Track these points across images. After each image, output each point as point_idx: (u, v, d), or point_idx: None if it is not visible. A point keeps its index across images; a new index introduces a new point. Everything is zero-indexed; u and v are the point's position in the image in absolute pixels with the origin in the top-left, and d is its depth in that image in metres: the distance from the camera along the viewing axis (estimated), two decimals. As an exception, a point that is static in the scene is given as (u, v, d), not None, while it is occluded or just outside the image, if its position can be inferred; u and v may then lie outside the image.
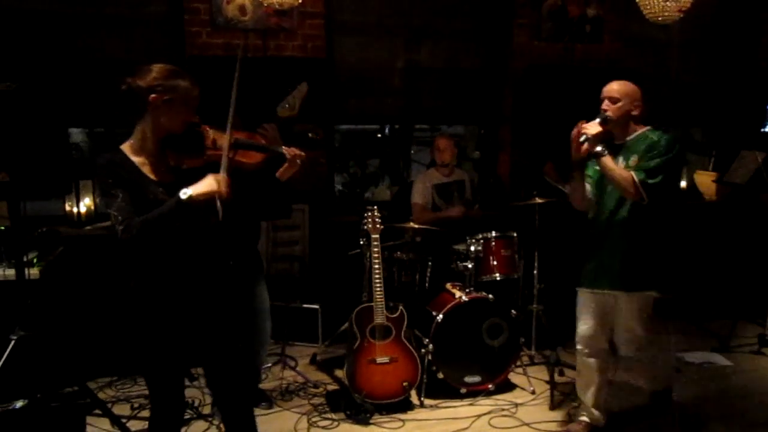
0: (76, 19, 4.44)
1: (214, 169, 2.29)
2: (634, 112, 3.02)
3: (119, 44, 4.50)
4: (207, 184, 2.19)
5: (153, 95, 2.19)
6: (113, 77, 2.30)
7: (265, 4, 4.01)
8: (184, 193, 2.15)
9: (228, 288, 2.49)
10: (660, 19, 3.98)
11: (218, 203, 2.25)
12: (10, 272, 3.35)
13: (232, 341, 2.46)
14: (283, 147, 2.66)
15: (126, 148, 2.26)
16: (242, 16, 4.65)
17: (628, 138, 3.02)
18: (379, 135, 7.24)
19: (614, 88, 3.02)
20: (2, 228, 3.56)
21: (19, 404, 3.12)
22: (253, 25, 4.68)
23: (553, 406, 3.65)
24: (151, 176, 2.24)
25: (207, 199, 2.20)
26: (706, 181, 5.95)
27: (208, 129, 2.47)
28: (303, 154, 2.63)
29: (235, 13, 4.63)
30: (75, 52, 4.42)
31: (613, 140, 3.01)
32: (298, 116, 4.64)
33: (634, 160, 2.92)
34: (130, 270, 2.29)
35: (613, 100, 2.99)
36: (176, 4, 4.61)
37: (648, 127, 3.05)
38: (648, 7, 3.96)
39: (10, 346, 3.03)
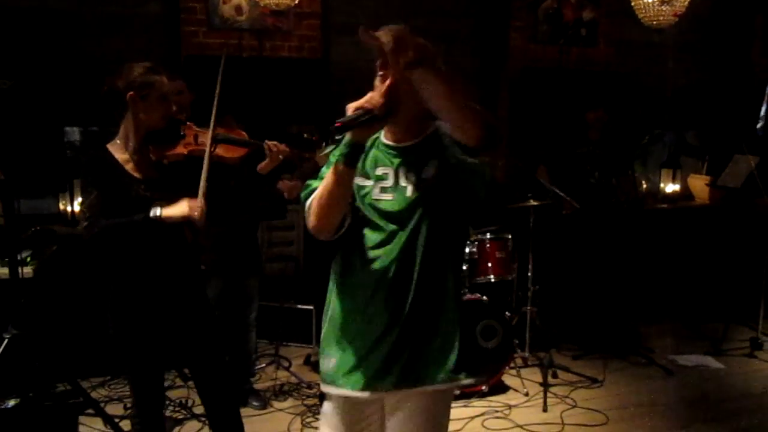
0: (72, 18, 4.42)
1: (197, 165, 2.34)
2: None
3: (115, 43, 4.48)
4: (180, 209, 2.23)
5: (130, 93, 2.25)
6: (107, 75, 2.34)
7: (262, 5, 4.01)
8: (154, 212, 2.19)
9: (203, 287, 2.55)
10: (655, 23, 4.01)
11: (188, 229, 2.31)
12: (4, 271, 3.33)
13: (212, 340, 2.50)
14: (265, 141, 2.71)
15: (111, 146, 2.32)
16: (238, 16, 4.65)
17: None
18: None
19: None
20: (-4, 226, 3.54)
21: (11, 403, 3.11)
22: (250, 25, 4.68)
23: (546, 408, 3.66)
24: (135, 174, 2.30)
25: (177, 220, 2.23)
26: (699, 184, 5.98)
27: (191, 125, 2.53)
28: (286, 149, 2.65)
29: (232, 13, 4.63)
30: (71, 51, 4.41)
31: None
32: (294, 117, 4.65)
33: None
34: (110, 267, 2.33)
35: None
36: (172, 4, 4.60)
37: None
38: (643, 11, 3.99)
39: (3, 345, 3.02)
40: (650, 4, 3.91)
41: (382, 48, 1.60)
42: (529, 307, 4.25)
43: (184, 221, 2.25)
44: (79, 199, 4.38)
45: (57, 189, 4.31)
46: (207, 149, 2.39)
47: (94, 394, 3.67)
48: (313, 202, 1.79)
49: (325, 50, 4.94)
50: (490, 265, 4.07)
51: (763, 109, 6.28)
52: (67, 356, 3.56)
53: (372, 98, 1.69)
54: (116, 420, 3.25)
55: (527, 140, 5.32)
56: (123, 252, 2.31)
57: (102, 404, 3.50)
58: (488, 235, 4.10)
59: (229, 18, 4.63)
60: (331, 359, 1.89)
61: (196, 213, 2.22)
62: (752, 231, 4.99)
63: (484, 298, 3.83)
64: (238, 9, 4.64)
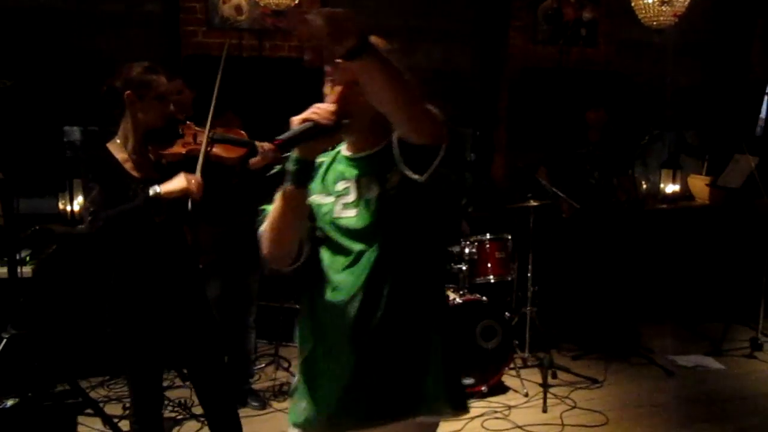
0: (72, 17, 4.42)
1: (195, 164, 2.35)
2: None
3: (115, 42, 4.48)
4: (177, 182, 2.24)
5: (128, 92, 2.26)
6: (108, 76, 2.35)
7: (262, 5, 4.01)
8: (153, 190, 2.20)
9: (202, 288, 2.56)
10: (655, 23, 4.01)
11: (189, 203, 2.29)
12: (3, 270, 3.33)
13: (211, 341, 2.50)
14: (256, 142, 2.72)
15: (111, 145, 2.33)
16: (238, 16, 4.64)
17: None
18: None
19: None
20: (-5, 226, 3.54)
21: (10, 403, 3.10)
22: (249, 25, 4.67)
23: (546, 408, 3.66)
24: (134, 173, 2.31)
25: (176, 197, 2.23)
26: (699, 184, 5.97)
27: (190, 124, 2.53)
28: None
29: (231, 13, 4.62)
30: (71, 50, 4.40)
31: None
32: (293, 116, 4.62)
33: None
34: (110, 265, 2.34)
35: None
36: (172, 3, 4.60)
37: None
38: (643, 11, 3.98)
39: (2, 345, 3.02)
40: (650, 5, 3.90)
41: (315, 35, 1.25)
42: (528, 308, 4.25)
43: (183, 196, 2.24)
44: (79, 199, 4.38)
45: (56, 188, 4.30)
46: (203, 145, 2.41)
47: (93, 394, 3.67)
48: (265, 230, 1.62)
49: (324, 50, 4.93)
50: (489, 265, 4.07)
51: (764, 110, 6.28)
52: (67, 356, 3.55)
53: (318, 108, 1.50)
54: (115, 420, 3.25)
55: (527, 140, 5.31)
56: (124, 251, 2.31)
57: (101, 404, 3.49)
58: (488, 236, 4.10)
59: (228, 18, 4.62)
60: (302, 404, 1.71)
61: (193, 185, 2.23)
62: (752, 231, 4.99)
63: (484, 298, 3.83)
64: (238, 9, 4.63)
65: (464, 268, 3.96)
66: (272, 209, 1.58)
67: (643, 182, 5.85)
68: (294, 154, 1.51)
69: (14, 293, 3.19)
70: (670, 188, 6.01)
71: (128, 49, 4.50)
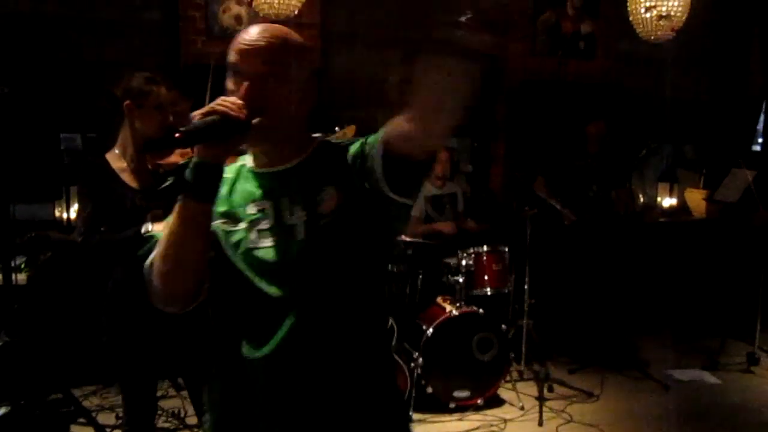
0: (71, 24, 4.42)
1: None
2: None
3: (114, 50, 4.48)
4: None
5: (127, 101, 2.28)
6: (107, 83, 2.36)
7: (261, 15, 4.01)
8: (146, 227, 2.20)
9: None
10: (653, 37, 4.02)
11: None
12: (-3, 277, 3.32)
13: (208, 351, 2.49)
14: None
15: (110, 155, 2.34)
16: (238, 26, 4.65)
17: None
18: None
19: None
20: (-10, 232, 3.53)
21: (2, 411, 3.08)
22: (249, 35, 4.68)
23: (542, 422, 3.64)
24: (131, 183, 2.30)
25: None
26: (696, 198, 5.98)
27: None
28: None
29: (231, 23, 4.63)
30: (69, 57, 4.40)
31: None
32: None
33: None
34: (106, 274, 2.34)
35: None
36: (172, 12, 4.60)
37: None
38: (641, 25, 4.00)
39: (-5, 352, 3.00)
40: (648, 19, 3.92)
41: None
42: (525, 320, 4.23)
43: None
44: (76, 206, 4.37)
45: (53, 195, 4.29)
46: None
47: (85, 403, 3.64)
48: (155, 261, 1.24)
49: (323, 60, 4.95)
50: (486, 277, 4.06)
51: (761, 124, 6.31)
52: (60, 364, 3.53)
53: (225, 100, 1.20)
54: (108, 430, 3.22)
55: (525, 152, 5.32)
56: (121, 261, 2.31)
57: (94, 413, 3.46)
58: (485, 248, 4.09)
59: (228, 27, 4.63)
60: None
61: None
62: (749, 245, 4.99)
63: (480, 310, 3.82)
64: (238, 18, 4.64)
65: (461, 280, 3.95)
66: (165, 234, 1.22)
67: (641, 195, 5.86)
68: (194, 158, 1.20)
69: (8, 300, 3.18)
70: (667, 201, 6.02)
71: (128, 57, 4.50)
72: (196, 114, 1.19)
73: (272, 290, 1.24)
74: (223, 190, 1.31)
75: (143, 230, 2.20)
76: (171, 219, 1.22)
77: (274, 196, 1.30)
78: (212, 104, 1.19)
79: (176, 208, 1.21)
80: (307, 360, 1.25)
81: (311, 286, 1.24)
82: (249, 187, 1.33)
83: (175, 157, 2.44)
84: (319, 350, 1.25)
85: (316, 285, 1.24)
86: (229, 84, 1.27)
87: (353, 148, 1.30)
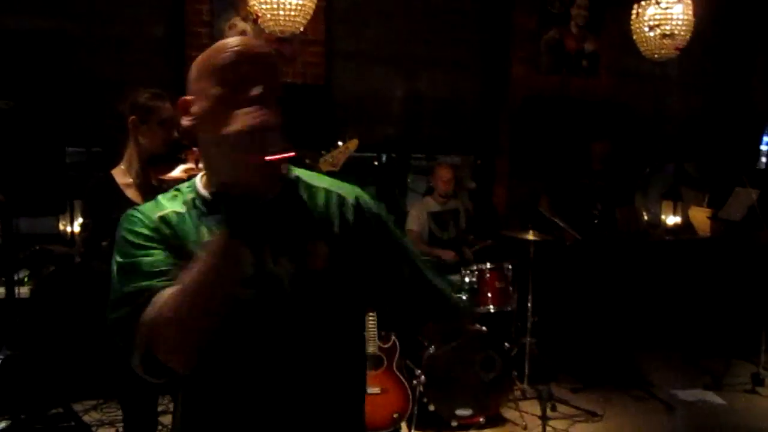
0: (76, 40, 4.45)
1: None
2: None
3: (119, 66, 4.51)
4: None
5: (131, 117, 2.31)
6: (112, 99, 2.38)
7: (267, 31, 4.04)
8: None
9: None
10: (656, 56, 4.03)
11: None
12: (0, 290, 3.32)
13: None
14: None
15: (116, 171, 2.35)
16: (243, 42, 4.68)
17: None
18: (376, 163, 7.26)
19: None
20: (-6, 246, 3.53)
21: (2, 425, 3.06)
22: (254, 51, 4.71)
23: (545, 441, 3.60)
24: (135, 199, 2.32)
25: None
26: (700, 216, 5.97)
27: (194, 150, 2.53)
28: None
29: (237, 39, 4.66)
30: (74, 73, 4.43)
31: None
32: (296, 142, 4.62)
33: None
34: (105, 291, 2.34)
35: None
36: (177, 28, 4.64)
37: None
38: (644, 44, 4.01)
39: (-4, 366, 3.00)
40: (652, 38, 3.93)
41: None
42: (528, 339, 4.21)
43: None
44: (80, 220, 4.38)
45: (57, 209, 4.29)
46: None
47: (86, 418, 3.62)
48: (168, 306, 1.07)
49: (328, 76, 4.97)
50: (489, 295, 4.05)
51: (765, 142, 6.30)
52: (61, 378, 3.52)
53: (255, 112, 1.06)
54: (107, 445, 3.21)
55: (529, 169, 5.32)
56: None
57: (94, 428, 3.45)
58: (488, 265, 4.08)
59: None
60: None
61: None
62: (754, 264, 4.97)
63: (483, 328, 3.80)
64: (243, 34, 4.67)
65: (464, 297, 3.94)
66: (187, 278, 1.06)
67: (644, 213, 5.85)
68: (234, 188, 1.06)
69: (11, 314, 3.17)
70: (671, 220, 6.01)
71: (133, 72, 4.53)
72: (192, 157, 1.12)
73: (250, 350, 1.16)
74: (181, 225, 1.20)
75: None
76: (197, 264, 1.07)
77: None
78: (239, 124, 1.03)
79: (210, 248, 1.07)
80: (282, 395, 1.19)
81: (294, 333, 1.17)
82: (209, 223, 1.18)
83: (179, 174, 2.45)
84: (295, 387, 1.19)
85: (299, 333, 1.17)
86: (213, 91, 1.13)
87: (350, 202, 1.25)
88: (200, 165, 2.50)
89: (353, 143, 3.33)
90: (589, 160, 4.68)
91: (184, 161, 2.48)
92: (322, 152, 3.33)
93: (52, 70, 4.37)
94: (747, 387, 4.46)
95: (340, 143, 3.35)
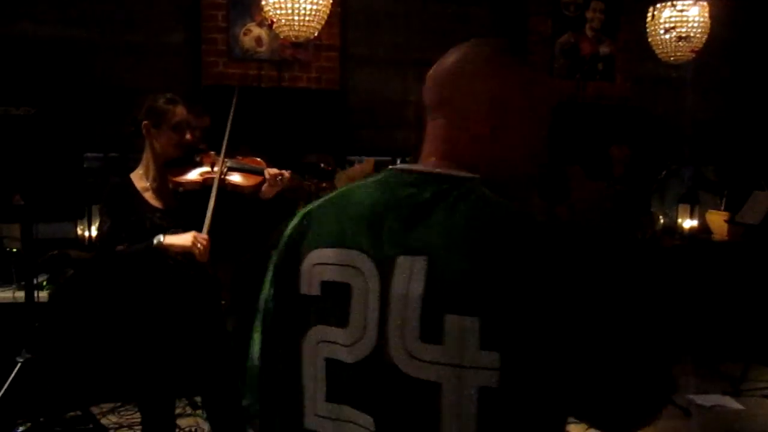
0: (94, 47, 4.52)
1: (219, 192, 2.37)
2: None
3: (137, 72, 4.56)
4: (183, 240, 2.27)
5: (145, 122, 2.32)
6: (130, 104, 2.41)
7: (282, 37, 4.07)
8: (157, 239, 2.22)
9: (222, 320, 2.56)
10: (672, 59, 4.02)
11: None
12: (20, 294, 3.36)
13: (227, 372, 2.50)
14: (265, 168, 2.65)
15: (134, 175, 2.38)
16: (258, 48, 4.72)
17: None
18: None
19: None
20: (14, 250, 3.58)
21: (21, 429, 3.10)
22: (269, 57, 4.75)
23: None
24: (153, 202, 2.33)
25: (179, 251, 2.26)
26: (717, 220, 5.91)
27: (212, 154, 2.55)
28: (285, 175, 2.57)
29: (252, 45, 4.70)
30: (93, 79, 4.49)
31: None
32: (311, 146, 4.68)
33: None
34: (129, 292, 2.37)
35: None
36: (194, 34, 4.69)
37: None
38: (660, 47, 4.00)
39: (16, 369, 3.03)
40: (667, 41, 3.92)
41: None
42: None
43: (184, 252, 2.26)
44: (97, 223, 4.43)
45: (75, 214, 4.35)
46: (216, 179, 2.41)
47: (104, 421, 3.65)
48: None
49: (343, 81, 5.00)
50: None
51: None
52: (79, 381, 3.55)
53: None
54: (125, 448, 3.23)
55: (542, 174, 5.31)
56: (142, 280, 2.33)
57: (112, 431, 3.48)
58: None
59: (249, 49, 4.70)
60: None
61: (197, 247, 2.24)
62: (772, 269, 4.92)
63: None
64: (258, 40, 4.71)
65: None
66: None
67: (661, 217, 5.80)
68: None
69: (30, 318, 3.21)
70: (688, 223, 5.96)
71: (150, 78, 4.58)
72: None
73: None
74: None
75: (155, 242, 2.22)
76: None
77: None
78: None
79: None
80: None
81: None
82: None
83: (195, 177, 2.47)
84: None
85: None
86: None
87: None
88: (215, 168, 2.52)
89: (369, 163, 3.34)
90: (608, 164, 4.67)
91: (199, 164, 2.50)
92: (338, 169, 3.34)
93: (71, 78, 4.44)
94: (765, 392, 4.41)
95: (356, 164, 3.35)
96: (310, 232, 0.95)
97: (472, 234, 0.84)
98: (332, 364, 0.88)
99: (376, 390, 0.84)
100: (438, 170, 0.94)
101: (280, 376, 0.95)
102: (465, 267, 0.81)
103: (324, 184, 2.95)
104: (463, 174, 0.93)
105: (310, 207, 1.01)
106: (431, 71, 1.11)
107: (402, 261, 0.84)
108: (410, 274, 0.83)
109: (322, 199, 1.01)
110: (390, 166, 1.00)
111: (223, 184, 2.43)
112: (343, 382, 0.88)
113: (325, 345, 0.89)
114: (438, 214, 0.86)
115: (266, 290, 1.00)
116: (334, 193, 1.01)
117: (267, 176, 2.50)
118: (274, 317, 0.98)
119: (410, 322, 0.82)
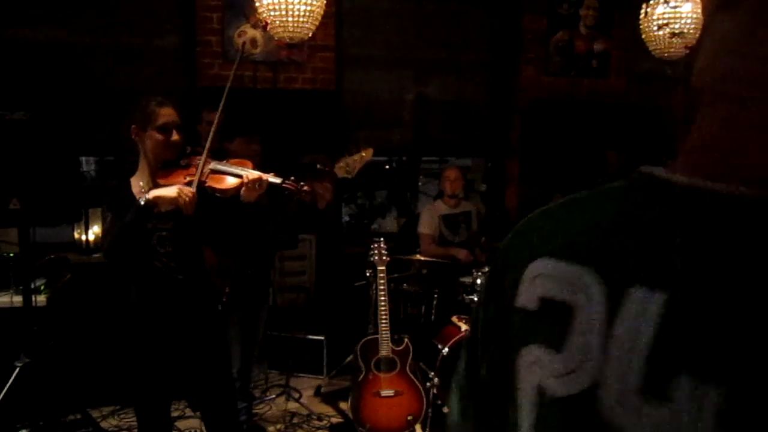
0: (89, 50, 4.52)
1: (203, 196, 2.38)
2: None
3: (132, 75, 4.57)
4: (168, 190, 2.26)
5: (132, 125, 2.34)
6: (125, 108, 2.42)
7: (276, 38, 4.07)
8: (144, 198, 2.23)
9: (220, 324, 2.57)
10: (666, 55, 4.03)
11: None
12: (18, 299, 3.36)
13: (223, 375, 2.51)
14: (245, 172, 2.62)
15: (133, 179, 2.43)
16: (253, 49, 4.72)
17: None
18: (387, 167, 7.29)
19: None
20: (11, 254, 3.58)
21: (21, 432, 3.10)
22: (264, 58, 4.75)
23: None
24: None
25: (166, 205, 2.24)
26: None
27: (199, 156, 2.54)
28: (264, 180, 2.54)
29: (247, 46, 4.70)
30: (88, 83, 4.49)
31: None
32: (307, 147, 4.68)
33: None
34: (124, 294, 2.38)
35: None
36: (189, 36, 4.69)
37: None
38: (654, 43, 4.01)
39: (15, 373, 3.03)
40: (661, 37, 3.93)
41: None
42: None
43: (174, 207, 2.25)
44: (95, 228, 4.43)
45: (72, 218, 4.35)
46: (197, 173, 2.41)
47: (104, 424, 3.66)
48: None
49: (338, 82, 5.01)
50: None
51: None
52: (78, 385, 3.56)
53: None
54: (125, 450, 3.23)
55: (540, 171, 5.32)
56: (139, 279, 2.35)
57: (111, 434, 3.48)
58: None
59: (244, 51, 4.70)
60: None
61: (182, 198, 2.23)
62: None
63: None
64: (253, 42, 4.71)
65: (477, 298, 3.94)
66: None
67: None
68: None
69: (28, 322, 3.21)
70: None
71: (145, 81, 4.59)
72: None
73: None
74: None
75: (142, 202, 2.23)
76: None
77: None
78: None
79: None
80: None
81: None
82: None
83: (180, 179, 2.46)
84: None
85: None
86: None
87: None
88: (204, 170, 2.49)
89: (368, 152, 3.33)
90: (603, 164, 4.69)
91: (186, 166, 2.48)
92: (337, 156, 3.32)
93: (66, 81, 4.44)
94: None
95: (354, 154, 3.32)
96: (534, 240, 0.83)
97: (746, 272, 0.59)
98: (542, 392, 0.73)
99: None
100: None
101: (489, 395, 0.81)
102: (722, 315, 0.58)
103: (322, 185, 2.95)
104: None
105: (531, 215, 0.89)
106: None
107: (635, 293, 0.64)
108: (643, 312, 0.63)
109: (546, 206, 0.87)
110: (641, 168, 0.79)
111: (204, 187, 2.42)
112: (550, 415, 0.71)
113: (538, 368, 0.74)
114: (701, 238, 0.63)
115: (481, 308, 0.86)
116: (563, 200, 0.86)
117: (245, 180, 2.47)
118: (487, 331, 0.85)
119: (632, 371, 0.63)
